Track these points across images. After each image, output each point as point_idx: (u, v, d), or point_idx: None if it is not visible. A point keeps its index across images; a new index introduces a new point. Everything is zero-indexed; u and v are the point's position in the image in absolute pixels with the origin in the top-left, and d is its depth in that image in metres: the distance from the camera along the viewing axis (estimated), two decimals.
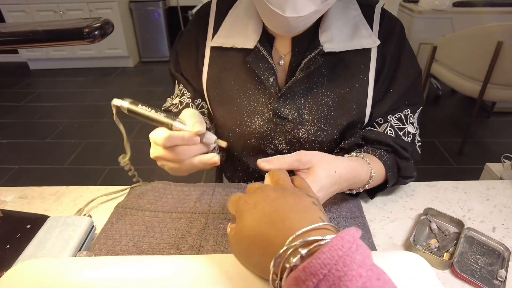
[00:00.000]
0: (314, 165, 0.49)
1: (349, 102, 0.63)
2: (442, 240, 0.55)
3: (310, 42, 0.62)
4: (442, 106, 2.94)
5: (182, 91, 0.72)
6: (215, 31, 0.66)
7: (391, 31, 0.63)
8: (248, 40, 0.62)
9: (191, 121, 0.49)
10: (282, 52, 0.64)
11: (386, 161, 0.61)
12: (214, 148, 0.55)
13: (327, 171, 0.49)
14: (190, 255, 0.36)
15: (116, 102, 0.50)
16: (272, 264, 0.28)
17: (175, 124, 0.49)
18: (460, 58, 2.07)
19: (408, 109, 0.65)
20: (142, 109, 0.50)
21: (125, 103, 0.50)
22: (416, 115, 0.67)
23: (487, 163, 0.91)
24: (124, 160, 0.62)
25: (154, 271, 0.34)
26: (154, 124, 0.50)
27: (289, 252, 0.27)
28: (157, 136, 0.48)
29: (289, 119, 0.64)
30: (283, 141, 0.67)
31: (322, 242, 0.27)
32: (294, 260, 0.26)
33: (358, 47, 0.61)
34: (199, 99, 0.72)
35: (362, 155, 0.59)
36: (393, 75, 0.64)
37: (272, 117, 0.65)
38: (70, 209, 0.65)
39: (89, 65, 3.88)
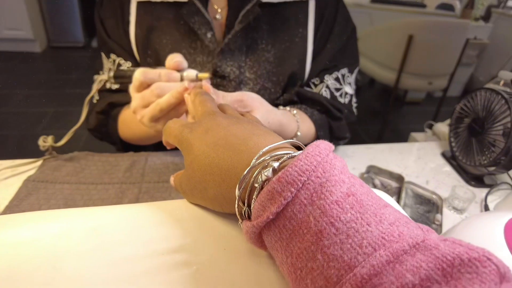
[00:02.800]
0: (254, 109, 0.46)
1: (290, 58, 0.61)
2: None
3: None
4: (362, 96, 3.18)
5: (117, 63, 0.62)
6: None
7: None
8: None
9: (169, 58, 0.44)
10: (218, 6, 0.60)
11: (316, 120, 0.60)
12: None
13: (263, 118, 0.46)
14: (129, 204, 0.29)
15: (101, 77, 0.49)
16: (237, 189, 0.23)
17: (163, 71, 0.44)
18: (379, 49, 2.25)
19: (346, 68, 0.65)
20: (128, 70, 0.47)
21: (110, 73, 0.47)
22: (354, 75, 0.68)
23: (411, 133, 0.99)
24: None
25: (86, 222, 0.26)
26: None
27: (257, 171, 0.22)
28: (133, 83, 0.44)
29: (231, 77, 0.59)
30: None
31: (295, 153, 0.23)
32: (265, 173, 0.21)
33: None
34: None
35: (295, 111, 0.58)
36: (330, 31, 0.64)
37: (213, 77, 0.60)
38: None
39: None
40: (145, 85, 0.44)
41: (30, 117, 2.32)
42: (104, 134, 0.66)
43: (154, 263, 0.23)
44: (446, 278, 0.16)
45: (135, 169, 0.58)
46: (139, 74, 0.43)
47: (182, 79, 0.44)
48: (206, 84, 0.42)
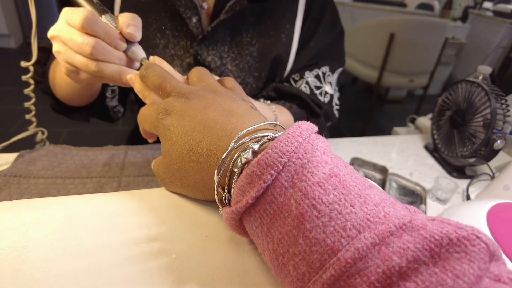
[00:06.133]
0: None
1: (273, 54, 0.60)
2: None
3: None
4: (344, 94, 3.21)
5: None
6: None
7: None
8: None
9: (127, 21, 0.36)
10: None
11: (295, 113, 0.59)
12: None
13: None
14: (104, 193, 0.27)
15: None
16: (215, 174, 0.22)
17: (104, 16, 0.36)
18: (361, 47, 2.27)
19: (327, 67, 0.64)
20: None
21: None
22: (336, 75, 0.66)
23: (394, 127, 1.00)
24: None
25: (59, 210, 0.25)
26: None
27: (236, 155, 0.21)
28: (75, 13, 0.34)
29: (211, 67, 0.58)
30: None
31: (275, 134, 0.22)
32: (245, 155, 0.20)
33: None
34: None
35: (268, 102, 0.56)
36: (315, 29, 0.62)
37: (193, 64, 0.59)
38: None
39: None
40: (84, 30, 0.35)
41: (5, 114, 2.23)
42: (40, 76, 0.57)
43: (131, 252, 0.21)
44: (434, 259, 0.15)
45: (114, 162, 0.56)
46: (85, 18, 0.34)
47: (126, 51, 0.37)
48: (155, 58, 0.37)
